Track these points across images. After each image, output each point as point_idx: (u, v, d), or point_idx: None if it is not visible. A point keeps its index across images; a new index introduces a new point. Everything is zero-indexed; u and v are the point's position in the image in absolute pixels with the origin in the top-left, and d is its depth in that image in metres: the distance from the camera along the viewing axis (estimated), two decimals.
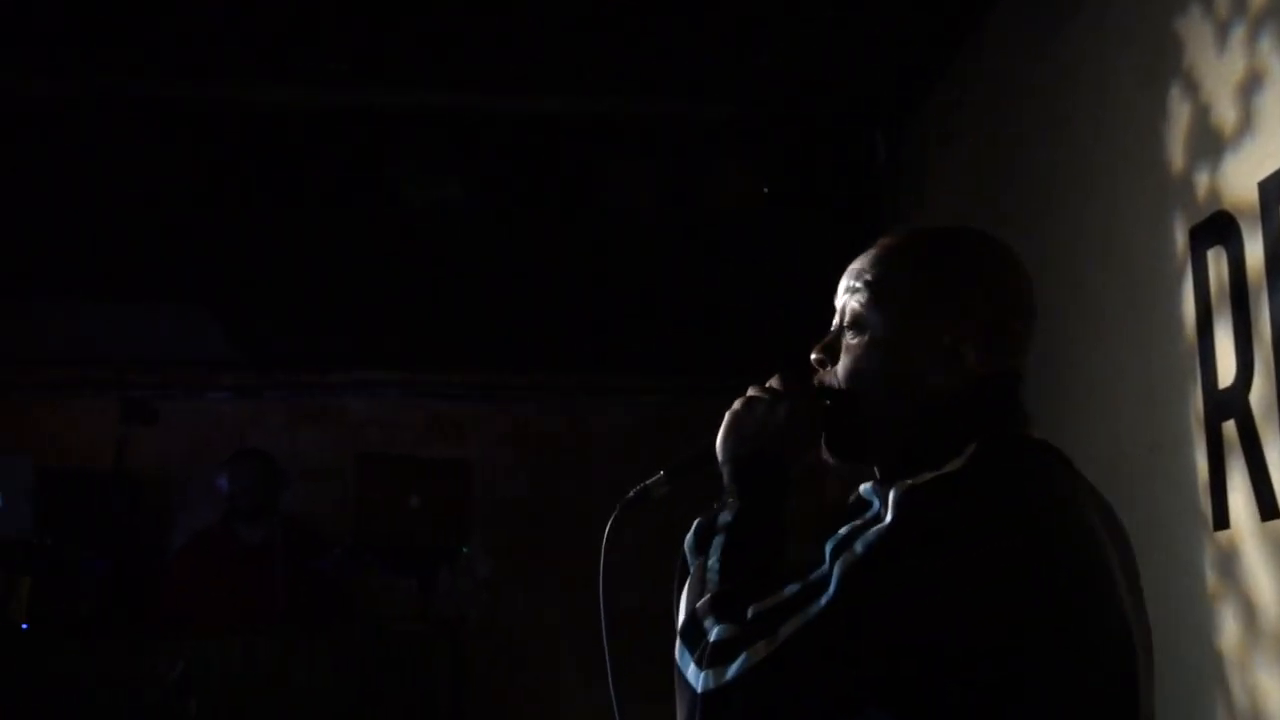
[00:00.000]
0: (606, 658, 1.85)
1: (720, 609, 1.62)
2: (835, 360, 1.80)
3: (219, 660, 4.61)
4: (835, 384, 1.80)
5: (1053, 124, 3.74)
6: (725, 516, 1.73)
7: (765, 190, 4.88)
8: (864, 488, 1.76)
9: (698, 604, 1.64)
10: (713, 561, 1.69)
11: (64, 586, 5.38)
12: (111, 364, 6.55)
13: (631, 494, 1.85)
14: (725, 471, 1.80)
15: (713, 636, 1.58)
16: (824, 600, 1.54)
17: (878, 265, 1.80)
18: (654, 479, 1.85)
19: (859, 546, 1.56)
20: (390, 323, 6.12)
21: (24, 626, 5.29)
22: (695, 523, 1.77)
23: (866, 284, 1.79)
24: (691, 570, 1.71)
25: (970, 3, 4.25)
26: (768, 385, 1.83)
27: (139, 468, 6.52)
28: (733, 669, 1.54)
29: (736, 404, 1.82)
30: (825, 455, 1.82)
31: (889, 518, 1.57)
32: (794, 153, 5.04)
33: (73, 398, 6.63)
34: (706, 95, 4.99)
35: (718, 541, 1.71)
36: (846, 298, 1.81)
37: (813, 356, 1.83)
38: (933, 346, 1.75)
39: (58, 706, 4.72)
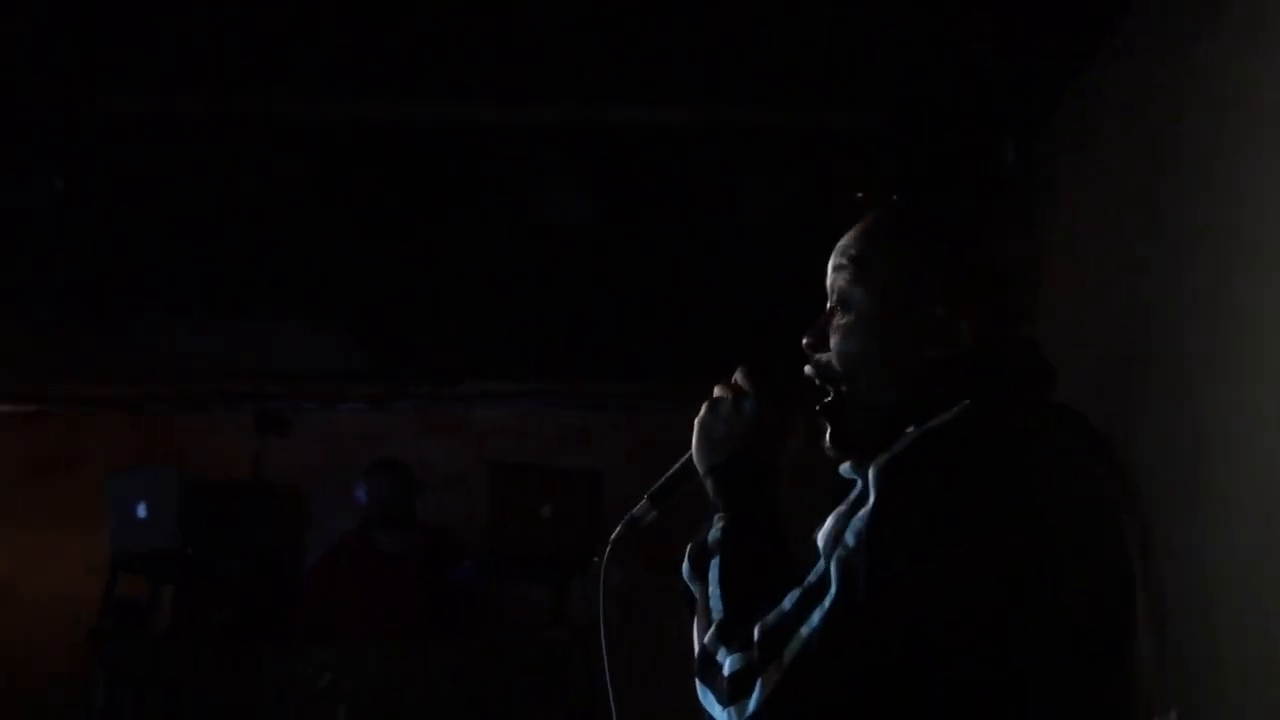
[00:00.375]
0: (610, 696, 1.81)
1: (728, 637, 1.53)
2: (819, 348, 1.73)
3: (362, 668, 4.70)
4: (826, 368, 1.71)
5: (1196, 126, 3.68)
6: (715, 534, 1.64)
7: (894, 198, 4.86)
8: (844, 468, 1.67)
9: (706, 637, 1.56)
10: (713, 587, 1.60)
11: (204, 595, 5.52)
12: (247, 378, 6.69)
13: (620, 529, 1.78)
14: (707, 484, 1.71)
15: (727, 670, 1.51)
16: (826, 604, 1.46)
17: (863, 239, 1.73)
18: (639, 506, 1.78)
19: (849, 538, 1.48)
20: (519, 334, 6.18)
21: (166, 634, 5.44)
22: (688, 548, 1.67)
23: (851, 259, 1.71)
24: (697, 599, 1.63)
25: (1106, 1, 4.19)
26: (732, 382, 1.76)
27: (274, 478, 6.67)
28: (753, 702, 1.47)
29: (702, 411, 1.75)
30: (829, 452, 1.73)
31: (871, 498, 1.49)
32: (921, 160, 5.01)
33: (210, 411, 6.79)
34: (832, 104, 4.98)
35: (714, 564, 1.62)
36: (833, 276, 1.73)
37: (803, 342, 1.75)
38: (925, 319, 1.67)
39: (205, 712, 4.83)
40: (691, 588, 1.64)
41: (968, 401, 1.57)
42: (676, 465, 1.78)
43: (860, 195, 4.81)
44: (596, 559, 5.36)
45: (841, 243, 1.74)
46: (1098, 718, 1.54)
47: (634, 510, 1.78)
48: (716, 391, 1.76)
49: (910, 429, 1.57)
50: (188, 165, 5.18)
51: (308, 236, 5.51)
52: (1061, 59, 4.55)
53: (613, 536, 1.78)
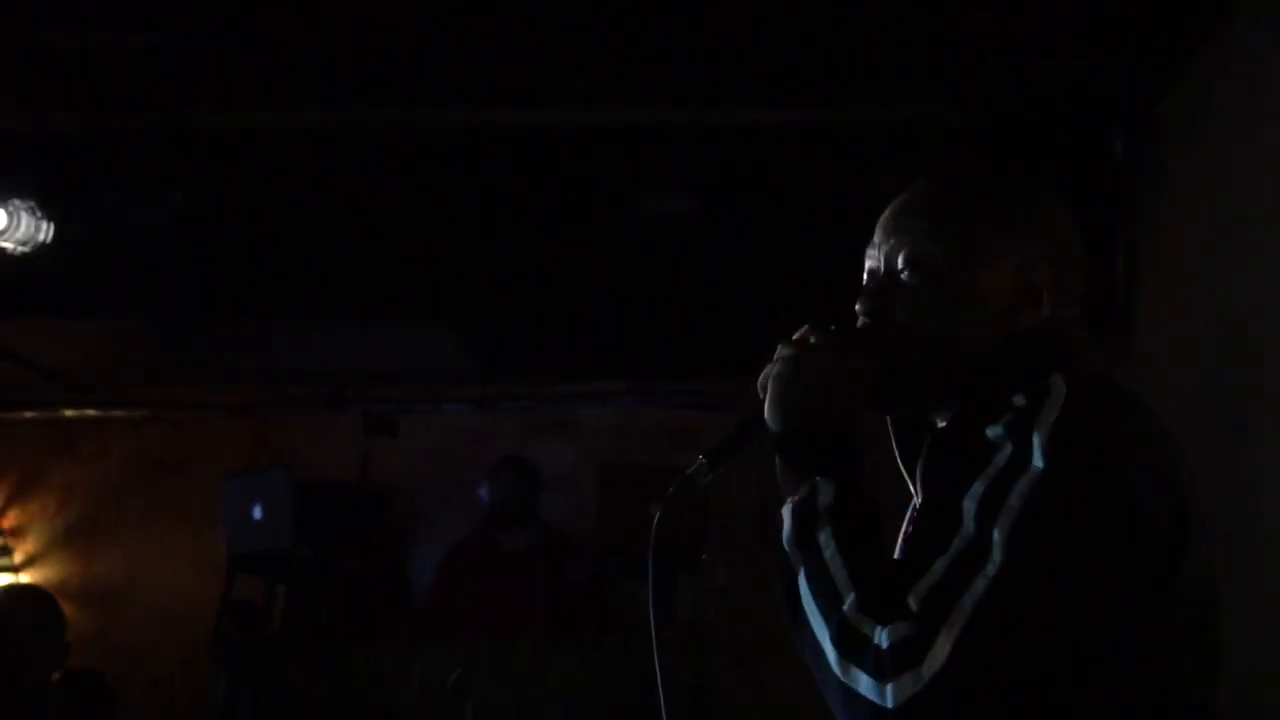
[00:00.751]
0: (655, 662, 1.79)
1: (874, 608, 1.47)
2: (887, 309, 1.70)
3: (486, 667, 4.74)
4: (888, 329, 1.68)
5: None
6: (825, 499, 1.58)
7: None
8: (993, 431, 1.56)
9: (844, 609, 1.49)
10: (830, 554, 1.54)
11: (318, 595, 5.59)
12: (354, 380, 6.77)
13: (673, 489, 1.72)
14: (789, 444, 1.65)
15: (884, 641, 1.45)
16: (993, 569, 1.44)
17: (937, 203, 1.72)
18: (694, 467, 1.72)
19: (1015, 502, 1.46)
20: (623, 333, 6.20)
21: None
22: (788, 512, 1.61)
23: (930, 221, 1.69)
24: (802, 568, 1.55)
25: None
26: (803, 339, 1.70)
27: (380, 479, 6.74)
28: (924, 671, 1.42)
29: (778, 366, 1.68)
30: (873, 408, 1.70)
31: (1041, 464, 1.48)
32: (1029, 156, 4.97)
33: (318, 414, 6.88)
34: (935, 100, 4.96)
35: (826, 532, 1.56)
36: (898, 239, 1.71)
37: (859, 307, 1.72)
38: (1012, 284, 1.67)
39: (323, 713, 4.90)
40: (794, 555, 1.58)
41: (1061, 376, 1.57)
42: (737, 426, 1.73)
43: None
44: (705, 557, 5.40)
45: (905, 205, 1.74)
46: (1215, 675, 1.59)
47: (689, 470, 1.73)
48: (786, 350, 1.69)
49: (1018, 397, 1.57)
50: (295, 174, 5.25)
51: (412, 239, 5.56)
52: (1172, 45, 4.48)
53: (664, 498, 1.73)
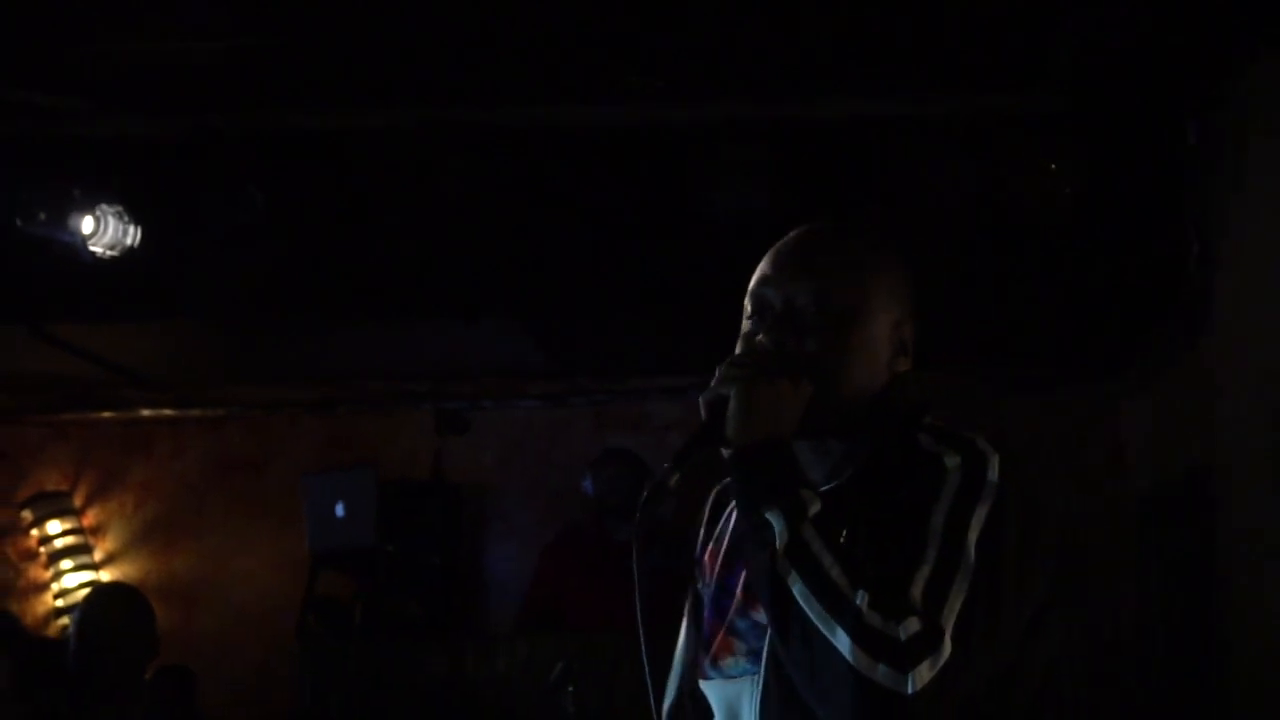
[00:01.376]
0: (644, 658, 1.94)
1: (885, 606, 1.66)
2: (797, 341, 1.85)
3: (588, 657, 4.77)
4: (802, 360, 1.83)
5: None
6: (815, 509, 1.73)
7: (1067, 190, 4.81)
8: (950, 461, 1.79)
9: (859, 607, 1.65)
10: (827, 560, 1.69)
11: (399, 591, 5.64)
12: (426, 378, 6.82)
13: (646, 495, 1.86)
14: (756, 459, 1.79)
15: (901, 635, 1.64)
16: (969, 571, 1.69)
17: (844, 252, 1.91)
18: (663, 473, 1.85)
19: (978, 516, 1.73)
20: (693, 328, 6.21)
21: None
22: (779, 520, 1.73)
23: (838, 268, 1.88)
24: (796, 572, 1.69)
25: None
26: (748, 361, 1.85)
27: (453, 476, 6.79)
28: (938, 659, 1.64)
29: (736, 387, 1.81)
30: (797, 434, 1.83)
31: (994, 490, 1.74)
32: (1097, 143, 4.95)
33: (391, 411, 6.93)
34: (1015, 90, 4.96)
35: (819, 539, 1.71)
36: (807, 280, 1.87)
37: (764, 337, 1.87)
38: (890, 336, 1.89)
39: (408, 707, 4.95)
40: (782, 561, 1.71)
41: (929, 417, 1.87)
42: (695, 435, 1.86)
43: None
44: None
45: (812, 248, 1.92)
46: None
47: (658, 478, 1.86)
48: (739, 370, 1.84)
49: (924, 436, 1.83)
50: (369, 175, 5.30)
51: (484, 237, 5.60)
52: (1245, 32, 4.46)
53: (640, 506, 1.87)
